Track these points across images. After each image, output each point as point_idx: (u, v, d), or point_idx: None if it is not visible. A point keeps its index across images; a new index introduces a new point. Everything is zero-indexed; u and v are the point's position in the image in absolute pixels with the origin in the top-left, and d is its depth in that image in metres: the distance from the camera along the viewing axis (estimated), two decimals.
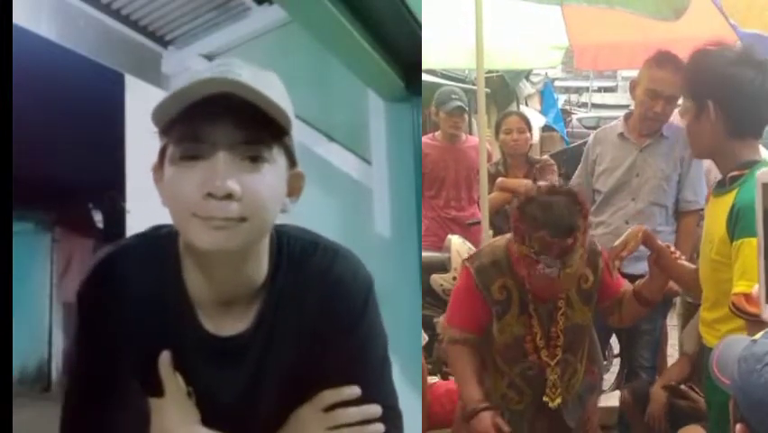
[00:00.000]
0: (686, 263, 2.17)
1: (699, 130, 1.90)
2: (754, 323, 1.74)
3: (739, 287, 1.77)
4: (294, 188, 1.24)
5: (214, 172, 1.10)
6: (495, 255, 2.09)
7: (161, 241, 1.24)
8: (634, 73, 3.25)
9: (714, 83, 1.85)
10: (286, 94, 1.20)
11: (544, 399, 2.11)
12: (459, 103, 4.25)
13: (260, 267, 1.24)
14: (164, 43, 2.87)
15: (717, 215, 1.85)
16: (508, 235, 2.08)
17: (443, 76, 8.13)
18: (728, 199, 1.82)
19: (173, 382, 1.20)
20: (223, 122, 1.11)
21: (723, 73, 1.84)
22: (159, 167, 1.18)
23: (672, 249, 2.13)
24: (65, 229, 5.47)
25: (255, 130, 1.13)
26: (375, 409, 1.26)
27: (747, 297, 1.73)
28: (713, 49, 1.90)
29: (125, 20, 2.70)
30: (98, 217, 5.33)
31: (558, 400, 2.11)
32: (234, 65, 1.13)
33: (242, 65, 1.14)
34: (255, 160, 1.13)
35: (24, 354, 5.20)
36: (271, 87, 1.15)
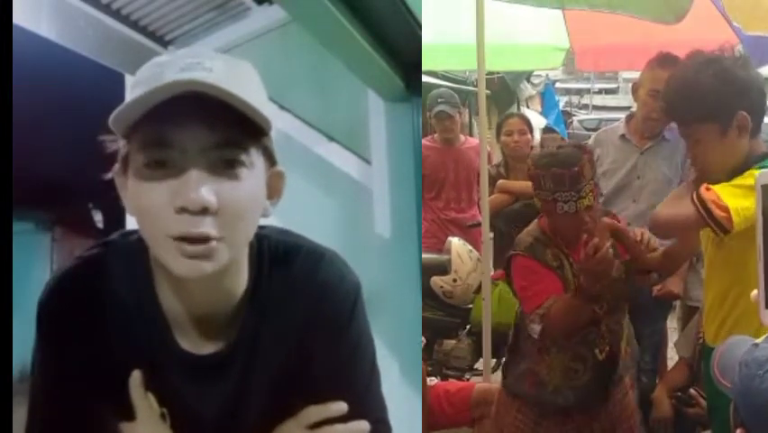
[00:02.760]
0: (655, 253, 2.15)
1: (725, 146, 1.82)
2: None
3: (717, 186, 1.75)
4: (274, 189, 1.14)
5: (186, 183, 0.98)
6: (532, 234, 2.23)
7: (131, 249, 1.14)
8: (635, 75, 3.25)
9: (742, 91, 1.80)
10: (262, 87, 1.09)
11: (595, 351, 2.18)
12: (442, 107, 4.23)
13: (240, 278, 1.15)
14: (164, 43, 2.87)
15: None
16: (535, 221, 2.28)
17: (444, 77, 8.12)
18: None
19: (145, 403, 1.11)
20: (192, 123, 0.99)
21: (746, 78, 1.81)
22: (122, 174, 1.07)
23: (641, 238, 2.11)
24: (65, 229, 5.46)
25: (229, 131, 1.01)
26: (363, 426, 1.18)
27: (709, 189, 1.73)
28: (713, 63, 1.84)
29: (125, 20, 2.70)
30: (98, 217, 5.32)
31: (605, 353, 2.19)
32: (204, 57, 1.02)
33: (213, 56, 1.03)
34: (231, 164, 1.02)
35: (24, 354, 5.18)
36: (246, 82, 1.04)
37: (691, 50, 2.39)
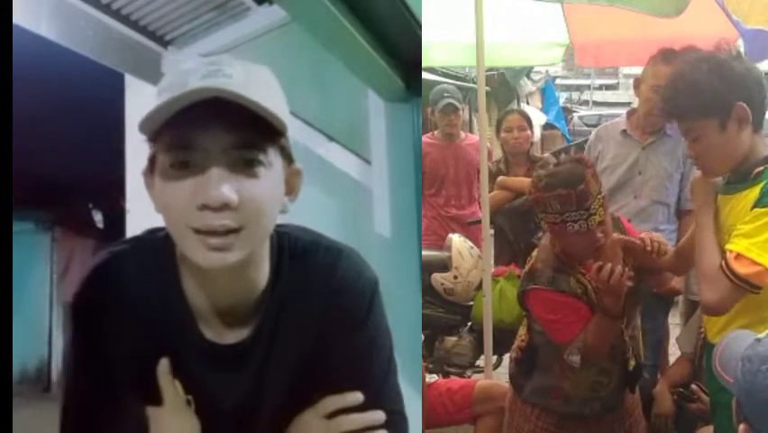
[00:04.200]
0: (666, 256, 2.12)
1: (726, 140, 1.80)
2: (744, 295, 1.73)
3: (734, 245, 1.74)
4: (292, 186, 1.21)
5: (208, 181, 1.06)
6: (550, 265, 2.13)
7: (158, 246, 1.21)
8: (635, 70, 3.25)
9: (739, 84, 1.79)
10: (280, 91, 1.16)
11: (621, 362, 2.15)
12: (450, 100, 4.25)
13: (261, 271, 1.21)
14: (164, 43, 2.86)
15: (742, 209, 1.81)
16: (543, 243, 2.19)
17: (443, 74, 8.13)
18: (755, 192, 1.78)
19: (172, 390, 1.18)
20: (213, 126, 1.07)
21: (742, 70, 1.80)
22: (149, 173, 1.14)
23: (650, 245, 2.06)
24: (65, 229, 5.47)
25: (248, 133, 1.08)
26: (379, 416, 1.23)
27: (739, 256, 1.71)
28: (708, 59, 1.83)
29: (125, 20, 2.69)
30: (98, 217, 5.33)
31: (633, 362, 2.17)
32: (224, 63, 1.09)
33: (233, 63, 1.10)
34: (250, 164, 1.09)
35: (24, 354, 5.20)
36: (264, 87, 1.11)
37: (685, 46, 2.38)
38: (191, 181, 1.07)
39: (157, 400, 1.17)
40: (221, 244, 1.07)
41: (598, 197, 1.99)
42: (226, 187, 1.06)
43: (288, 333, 1.23)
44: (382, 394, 1.27)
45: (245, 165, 1.09)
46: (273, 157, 1.13)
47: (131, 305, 1.19)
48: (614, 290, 1.95)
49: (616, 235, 2.09)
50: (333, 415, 1.22)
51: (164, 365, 1.17)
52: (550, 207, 2.00)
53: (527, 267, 2.22)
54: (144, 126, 1.09)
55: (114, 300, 1.19)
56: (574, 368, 2.13)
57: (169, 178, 1.09)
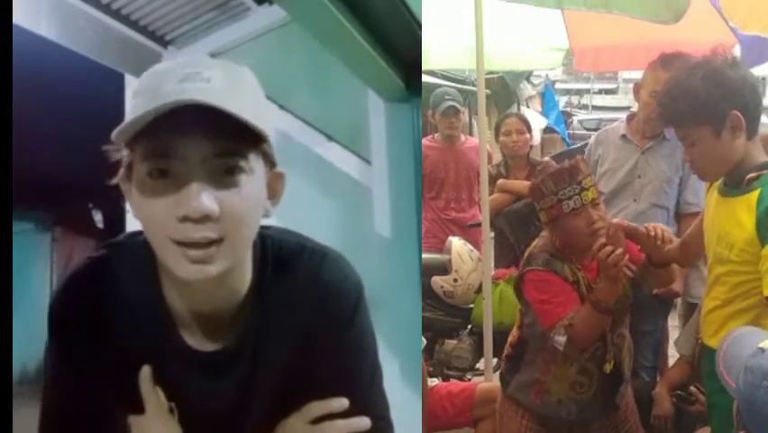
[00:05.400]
0: (672, 245, 2.12)
1: (720, 147, 1.81)
2: None
3: None
4: (274, 189, 1.16)
5: (188, 192, 1.01)
6: (547, 250, 2.17)
7: (138, 251, 1.16)
8: (634, 75, 3.26)
9: (733, 91, 1.79)
10: (261, 94, 1.12)
11: (602, 365, 2.16)
12: (451, 103, 4.25)
13: (244, 277, 1.18)
14: (164, 43, 2.87)
15: (734, 216, 1.81)
16: (543, 234, 2.23)
17: (444, 77, 8.13)
18: (750, 200, 1.77)
19: (154, 398, 1.15)
20: (191, 134, 1.01)
21: (737, 78, 1.80)
22: (126, 180, 1.10)
23: (653, 230, 2.06)
24: (65, 229, 5.46)
25: (228, 140, 1.04)
26: (364, 422, 1.21)
27: None
28: (703, 65, 1.83)
29: (125, 20, 2.70)
30: (98, 217, 5.33)
31: (609, 366, 2.17)
32: (202, 66, 1.04)
33: (211, 65, 1.05)
34: (231, 171, 1.04)
35: (24, 354, 5.18)
36: (244, 92, 1.07)
37: (675, 51, 2.39)
38: (171, 192, 1.02)
39: (139, 408, 1.15)
40: (202, 256, 1.03)
41: (589, 177, 2.08)
42: (207, 197, 1.01)
43: (272, 338, 1.21)
44: (368, 400, 1.25)
45: (226, 173, 1.04)
46: (255, 162, 1.08)
47: (110, 312, 1.16)
48: (612, 273, 1.96)
49: (617, 221, 2.12)
50: (317, 421, 1.20)
51: (146, 373, 1.15)
52: (545, 190, 2.09)
53: (525, 255, 2.24)
54: (118, 137, 1.03)
55: (92, 307, 1.16)
56: (557, 360, 2.15)
57: (147, 188, 1.04)
